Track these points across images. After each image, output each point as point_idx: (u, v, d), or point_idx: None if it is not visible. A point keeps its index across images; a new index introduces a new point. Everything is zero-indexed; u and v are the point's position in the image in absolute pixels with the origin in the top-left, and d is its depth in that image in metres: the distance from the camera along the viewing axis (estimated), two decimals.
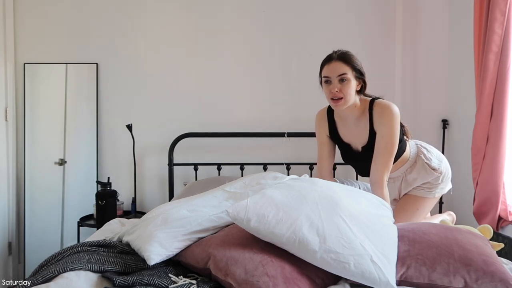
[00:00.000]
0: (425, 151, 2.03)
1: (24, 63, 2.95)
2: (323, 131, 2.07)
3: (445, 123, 2.87)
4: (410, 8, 3.01)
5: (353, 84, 1.85)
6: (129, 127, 2.88)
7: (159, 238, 1.46)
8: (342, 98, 1.83)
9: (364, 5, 3.05)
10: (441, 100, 2.89)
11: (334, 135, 2.05)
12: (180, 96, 3.05)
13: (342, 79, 1.82)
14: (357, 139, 1.97)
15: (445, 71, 2.85)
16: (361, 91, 1.90)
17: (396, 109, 1.86)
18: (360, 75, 1.86)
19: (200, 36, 3.04)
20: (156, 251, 1.43)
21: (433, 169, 1.99)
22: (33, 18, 2.97)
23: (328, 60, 1.87)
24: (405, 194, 2.11)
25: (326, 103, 2.00)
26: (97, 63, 3.00)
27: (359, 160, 2.01)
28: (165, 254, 1.45)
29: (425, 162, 2.00)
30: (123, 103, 3.03)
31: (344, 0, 3.05)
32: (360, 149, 1.97)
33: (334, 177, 2.70)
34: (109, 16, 3.00)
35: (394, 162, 1.93)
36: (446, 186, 2.10)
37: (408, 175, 2.04)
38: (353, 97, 1.86)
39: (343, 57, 1.84)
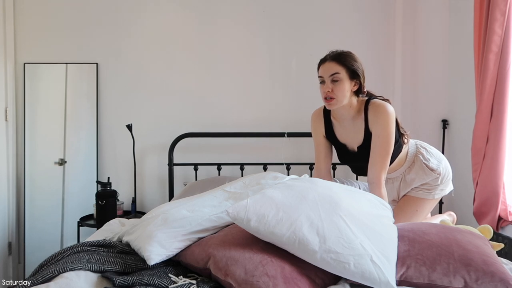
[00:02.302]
0: (424, 151, 2.01)
1: (24, 63, 2.96)
2: (320, 131, 2.06)
3: (445, 123, 2.87)
4: (410, 8, 3.01)
5: (347, 85, 1.83)
6: (129, 127, 2.88)
7: (159, 238, 1.46)
8: (334, 98, 1.83)
9: (364, 5, 3.05)
10: (441, 100, 2.89)
11: (330, 135, 2.04)
12: (180, 96, 3.05)
13: (335, 79, 1.82)
14: (353, 139, 1.96)
15: (445, 71, 2.85)
16: (357, 92, 1.89)
17: (390, 108, 1.85)
18: (355, 76, 1.84)
19: (200, 36, 3.04)
20: (156, 251, 1.43)
21: (431, 169, 1.98)
22: (33, 18, 2.97)
23: (323, 60, 1.88)
24: (404, 195, 2.10)
25: None
26: (97, 63, 3.00)
27: (355, 160, 2.01)
28: (165, 254, 1.45)
29: (423, 163, 1.98)
30: (123, 103, 3.03)
31: (345, 0, 3.05)
32: (356, 149, 1.96)
33: (334, 177, 2.70)
34: (109, 16, 3.00)
35: (391, 162, 1.92)
36: (446, 188, 2.09)
37: (407, 175, 2.03)
38: (346, 98, 1.85)
39: (337, 57, 1.84)
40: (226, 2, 3.03)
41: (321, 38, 3.02)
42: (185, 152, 2.98)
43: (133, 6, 3.01)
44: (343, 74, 1.82)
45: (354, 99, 1.90)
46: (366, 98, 1.91)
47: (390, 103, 1.89)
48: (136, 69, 3.03)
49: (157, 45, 3.03)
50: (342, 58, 1.83)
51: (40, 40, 2.99)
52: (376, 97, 1.93)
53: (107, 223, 2.07)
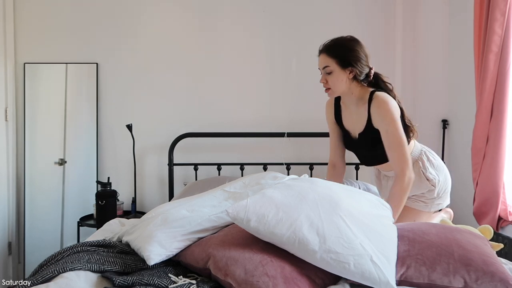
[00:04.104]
0: (425, 159, 1.99)
1: (24, 63, 2.96)
2: (330, 117, 2.13)
3: (445, 123, 2.87)
4: (410, 8, 3.01)
5: (339, 75, 1.87)
6: (129, 127, 2.88)
7: (159, 238, 1.46)
8: (330, 88, 1.91)
9: (364, 5, 3.05)
10: (441, 100, 2.89)
11: (338, 120, 2.09)
12: (180, 96, 3.05)
13: (327, 72, 1.89)
14: (355, 125, 1.99)
15: (445, 71, 2.85)
16: (355, 78, 1.90)
17: (393, 103, 1.86)
18: (348, 65, 1.87)
19: (200, 36, 3.04)
20: (156, 251, 1.43)
21: (427, 178, 1.96)
22: (33, 18, 2.97)
23: (318, 52, 1.95)
24: None
25: (326, 99, 2.08)
26: (97, 63, 3.00)
27: (357, 148, 2.04)
28: (164, 254, 1.45)
29: (421, 170, 1.97)
30: (123, 103, 3.03)
31: (345, 0, 3.05)
32: (357, 136, 1.99)
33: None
34: (109, 16, 3.00)
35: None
36: (443, 202, 2.05)
37: None
38: (342, 87, 1.90)
39: (327, 49, 1.90)
40: (226, 2, 3.03)
41: (321, 38, 2.98)
42: (185, 152, 2.98)
43: (133, 6, 3.01)
44: (333, 66, 1.87)
45: (355, 86, 1.92)
46: (371, 89, 1.92)
47: (393, 93, 1.92)
48: (136, 69, 3.03)
49: (157, 45, 3.03)
50: (332, 49, 1.88)
51: (40, 40, 2.99)
52: (381, 83, 1.94)
53: (107, 223, 2.07)
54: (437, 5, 2.88)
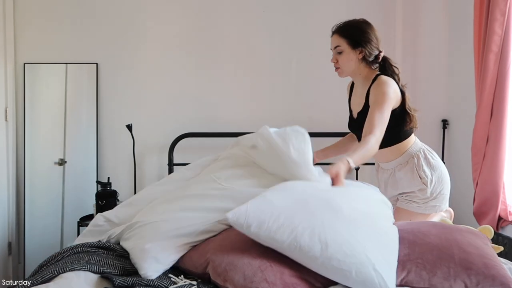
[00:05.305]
0: (421, 157, 1.96)
1: (24, 63, 2.95)
2: (348, 97, 2.16)
3: (445, 123, 2.87)
4: (410, 8, 3.01)
5: (350, 55, 1.91)
6: (129, 127, 2.88)
7: (153, 254, 1.44)
8: (340, 67, 1.95)
9: (364, 5, 3.04)
10: (441, 100, 2.89)
11: (349, 101, 2.12)
12: (180, 96, 3.05)
13: (338, 52, 1.93)
14: (356, 105, 2.02)
15: (445, 71, 2.85)
16: (365, 59, 1.93)
17: (394, 87, 1.86)
18: (358, 45, 1.90)
19: (200, 36, 3.04)
20: (152, 268, 1.42)
21: (419, 176, 1.93)
22: (33, 18, 2.97)
23: (331, 34, 1.99)
24: (396, 207, 2.07)
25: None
26: (97, 63, 3.00)
27: (356, 128, 2.03)
28: (162, 269, 1.44)
29: (415, 166, 1.95)
30: (123, 103, 3.03)
31: (345, 1, 3.05)
32: (356, 115, 2.01)
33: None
34: (109, 16, 3.00)
35: (389, 145, 1.93)
36: (441, 205, 1.99)
37: (397, 172, 2.00)
38: (351, 66, 1.93)
39: (339, 30, 1.94)
40: (226, 2, 3.02)
41: (321, 38, 3.00)
42: (185, 152, 2.97)
43: (133, 6, 3.00)
44: (344, 46, 1.91)
45: (363, 67, 1.95)
46: (377, 73, 1.94)
47: (398, 77, 1.93)
48: (136, 69, 3.03)
49: (157, 45, 3.03)
50: (344, 30, 1.93)
51: (40, 40, 2.98)
52: (388, 66, 1.95)
53: (91, 223, 1.94)
54: (437, 5, 2.87)
